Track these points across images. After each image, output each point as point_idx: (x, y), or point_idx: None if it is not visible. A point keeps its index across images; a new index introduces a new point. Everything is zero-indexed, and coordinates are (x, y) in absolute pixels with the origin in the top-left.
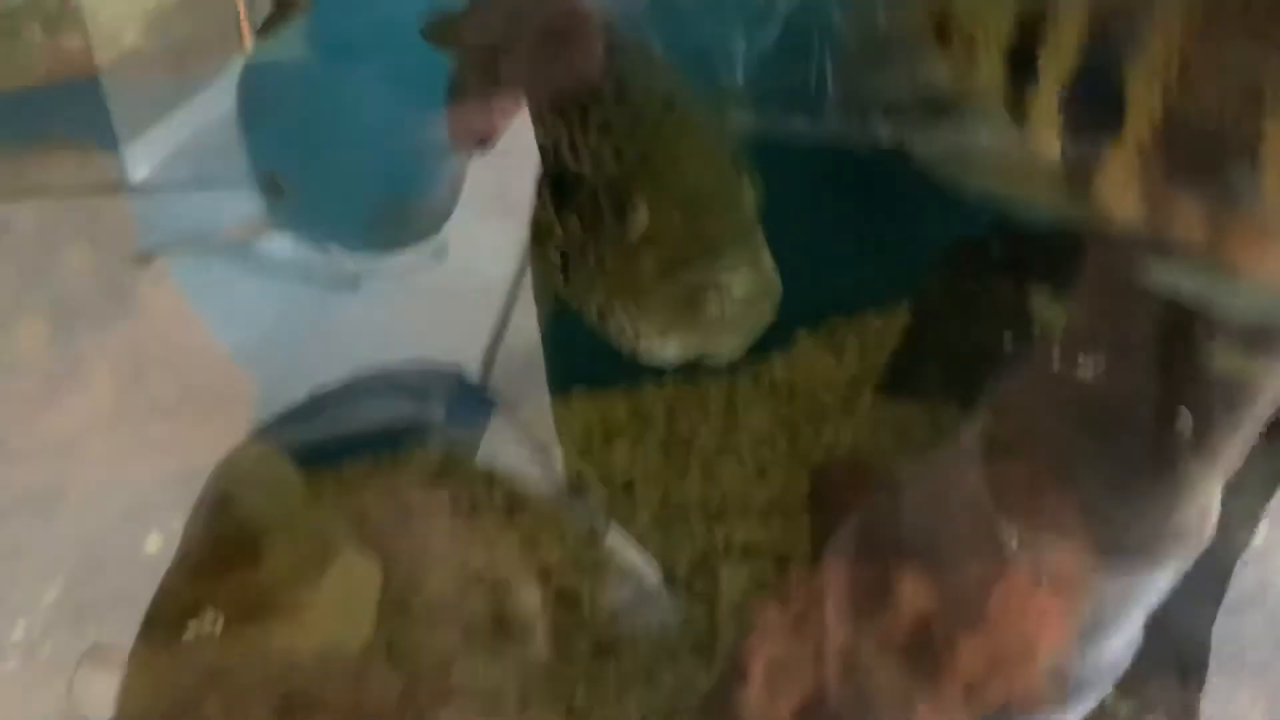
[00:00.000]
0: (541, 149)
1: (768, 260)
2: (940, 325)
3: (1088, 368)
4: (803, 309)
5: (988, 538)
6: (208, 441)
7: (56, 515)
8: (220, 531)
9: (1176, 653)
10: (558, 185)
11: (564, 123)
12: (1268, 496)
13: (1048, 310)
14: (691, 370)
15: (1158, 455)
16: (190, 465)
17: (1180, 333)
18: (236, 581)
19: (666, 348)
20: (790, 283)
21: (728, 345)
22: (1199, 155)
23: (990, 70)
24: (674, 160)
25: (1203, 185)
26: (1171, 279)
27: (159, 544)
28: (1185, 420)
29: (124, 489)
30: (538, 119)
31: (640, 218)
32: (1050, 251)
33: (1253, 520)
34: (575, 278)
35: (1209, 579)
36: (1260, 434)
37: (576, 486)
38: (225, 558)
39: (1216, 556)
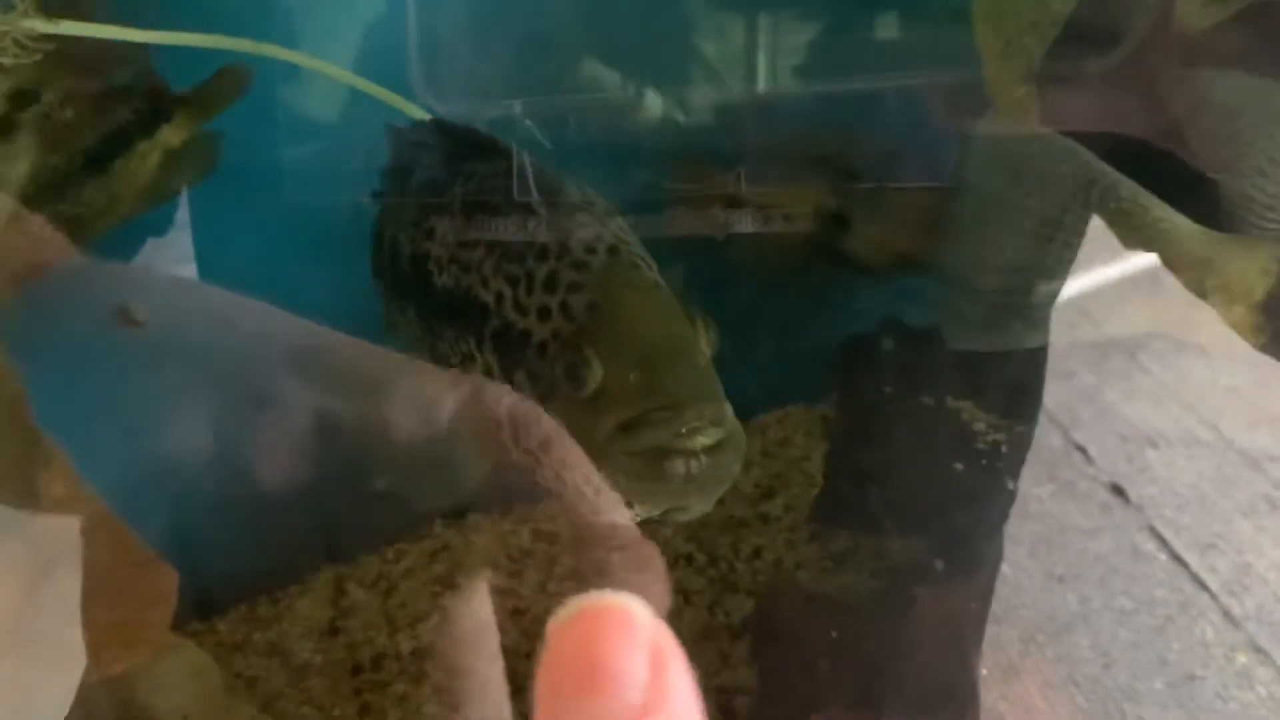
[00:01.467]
0: (483, 306)
1: (729, 411)
2: (863, 446)
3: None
4: None
5: (961, 672)
6: (126, 644)
7: None
8: None
9: (944, 683)
10: (501, 342)
11: (507, 278)
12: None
13: (976, 420)
14: None
15: None
16: (109, 675)
17: None
18: None
19: (629, 512)
20: None
21: (696, 505)
22: None
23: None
24: (624, 312)
25: None
26: None
27: None
28: None
29: (34, 708)
30: (478, 274)
31: (593, 374)
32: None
33: (999, 540)
34: None
35: (972, 602)
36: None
37: None
38: None
39: (973, 578)
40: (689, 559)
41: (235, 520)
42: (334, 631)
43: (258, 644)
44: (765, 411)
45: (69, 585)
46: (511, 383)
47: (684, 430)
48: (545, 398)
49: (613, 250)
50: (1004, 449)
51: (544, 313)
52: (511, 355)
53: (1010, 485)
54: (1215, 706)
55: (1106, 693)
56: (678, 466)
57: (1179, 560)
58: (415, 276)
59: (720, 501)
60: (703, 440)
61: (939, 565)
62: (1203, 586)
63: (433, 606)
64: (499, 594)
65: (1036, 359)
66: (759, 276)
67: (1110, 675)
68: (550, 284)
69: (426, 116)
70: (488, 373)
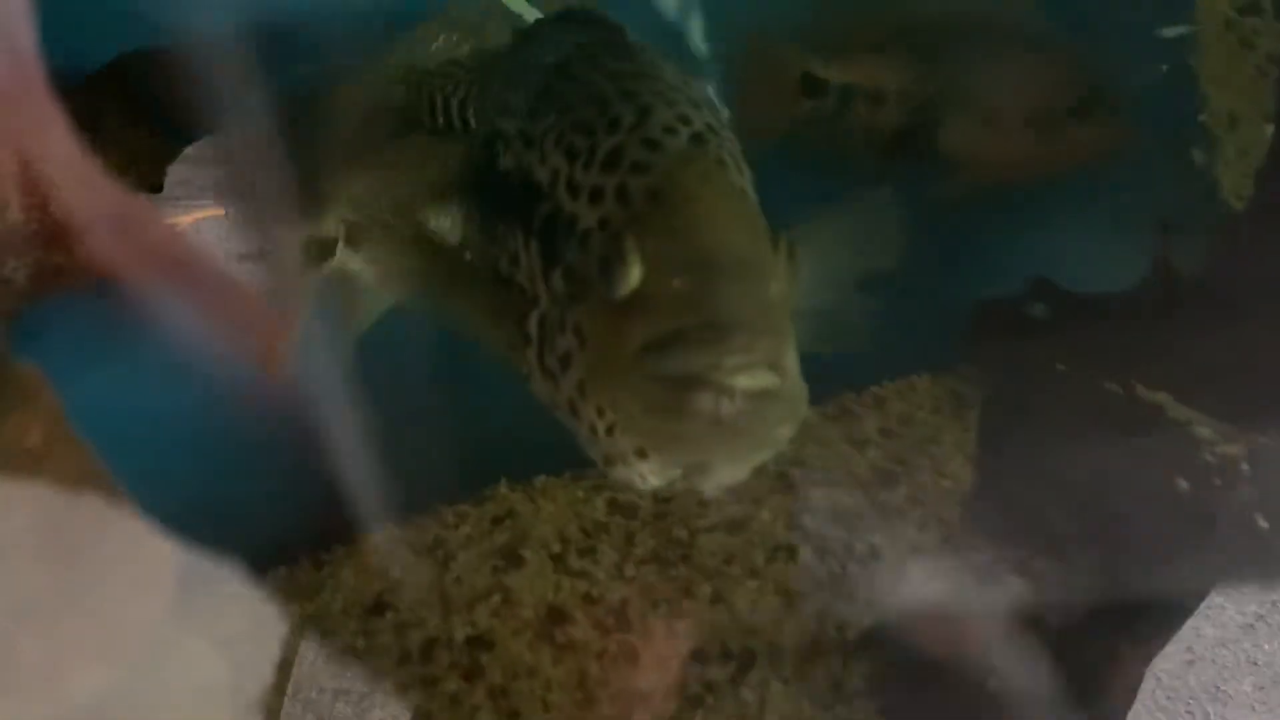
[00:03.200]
0: (536, 187)
1: (791, 361)
2: (1025, 439)
3: None
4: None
5: None
6: (104, 654)
7: None
8: None
9: None
10: (546, 231)
11: (567, 151)
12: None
13: (1195, 423)
14: None
15: None
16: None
17: None
18: None
19: (643, 465)
20: None
21: (723, 467)
22: None
23: None
24: (688, 207)
25: None
26: None
27: None
28: None
29: None
30: (539, 149)
31: (629, 272)
32: (1115, 314)
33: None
34: (549, 355)
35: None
36: None
37: None
38: None
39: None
40: (791, 552)
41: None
42: (380, 609)
43: (293, 618)
44: (883, 381)
45: (23, 582)
46: (547, 280)
47: (725, 361)
48: (577, 300)
49: (698, 137)
50: (1244, 468)
51: (596, 195)
52: (553, 247)
53: (1262, 522)
54: None
55: (1189, 690)
56: (705, 401)
57: None
58: (483, 162)
59: (831, 483)
60: (745, 380)
61: (1119, 609)
62: None
63: (494, 585)
64: (568, 575)
65: None
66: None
67: (1194, 673)
68: (612, 161)
69: (535, 14)
70: (530, 276)
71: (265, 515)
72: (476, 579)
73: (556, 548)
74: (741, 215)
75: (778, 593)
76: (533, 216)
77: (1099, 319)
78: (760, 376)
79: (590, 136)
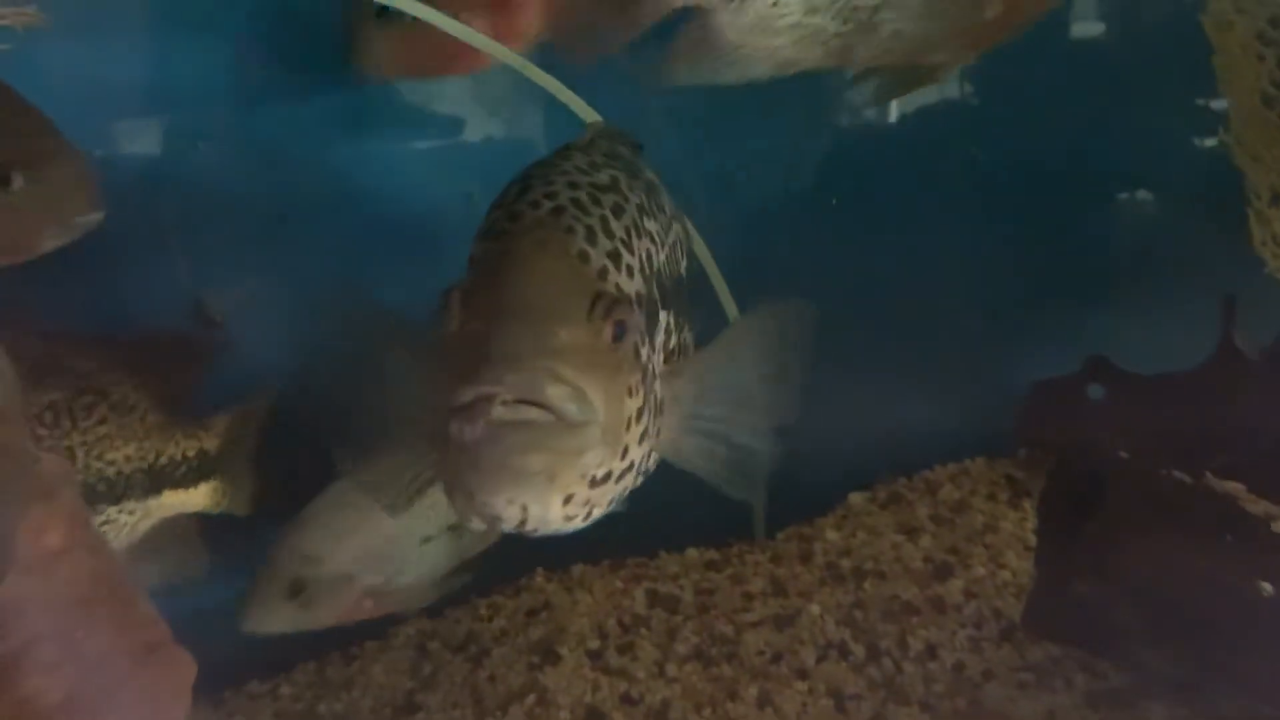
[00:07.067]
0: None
1: (592, 410)
2: (1085, 534)
3: None
4: (849, 464)
5: None
6: None
7: None
8: None
9: None
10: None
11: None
12: None
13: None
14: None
15: None
16: None
17: None
18: None
19: (460, 502)
20: (832, 432)
21: (474, 511)
22: None
23: None
24: (507, 263)
25: None
26: None
27: None
28: None
29: None
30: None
31: (450, 317)
32: (1180, 396)
33: None
34: None
35: None
36: None
37: None
38: None
39: None
40: (842, 650)
41: None
42: (412, 709)
43: (323, 717)
44: (935, 464)
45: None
46: None
47: (485, 389)
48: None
49: (557, 210)
50: None
51: (472, 262)
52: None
53: None
54: None
55: None
56: (460, 429)
57: None
58: None
59: (880, 576)
60: (500, 411)
61: None
62: None
63: (529, 683)
64: (606, 674)
65: None
66: None
67: None
68: (485, 231)
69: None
70: None
71: None
72: (511, 677)
73: (594, 644)
74: (556, 275)
75: (829, 695)
76: None
77: (1163, 401)
78: (516, 409)
79: (489, 214)
